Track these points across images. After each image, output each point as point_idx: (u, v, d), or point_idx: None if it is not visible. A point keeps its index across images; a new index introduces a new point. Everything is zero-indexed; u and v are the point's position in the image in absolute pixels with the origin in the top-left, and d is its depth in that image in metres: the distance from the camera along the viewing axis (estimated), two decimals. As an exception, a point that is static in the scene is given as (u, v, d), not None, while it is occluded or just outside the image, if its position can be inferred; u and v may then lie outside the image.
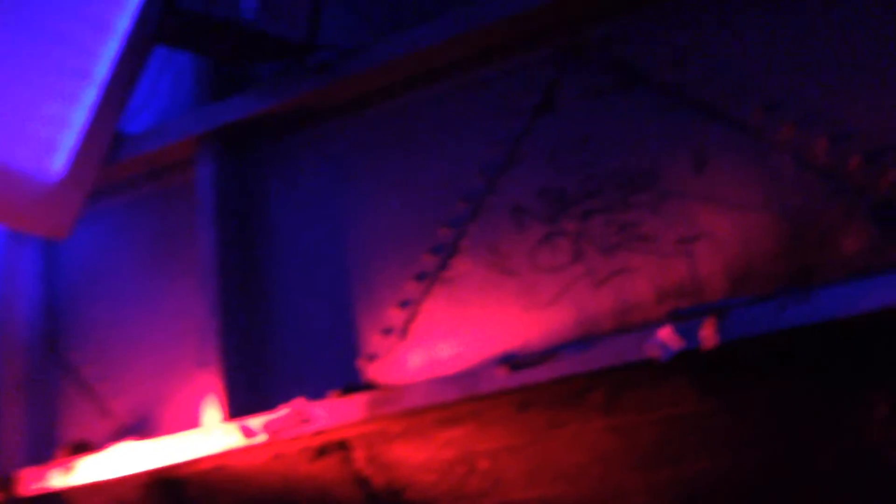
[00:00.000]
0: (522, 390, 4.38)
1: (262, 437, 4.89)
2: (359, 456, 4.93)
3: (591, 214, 4.68)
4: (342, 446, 4.92)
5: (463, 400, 4.50)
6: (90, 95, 5.40)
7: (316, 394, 4.88)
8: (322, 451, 4.96)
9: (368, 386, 4.87)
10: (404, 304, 5.08)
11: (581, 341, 4.37)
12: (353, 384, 4.93)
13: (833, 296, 3.86)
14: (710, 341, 3.90)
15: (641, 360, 4.05)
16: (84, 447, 5.58)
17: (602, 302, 4.55)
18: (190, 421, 5.40)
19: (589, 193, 4.70)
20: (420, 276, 5.06)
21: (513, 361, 4.38)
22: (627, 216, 4.59)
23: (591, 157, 4.75)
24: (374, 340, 5.12)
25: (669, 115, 4.61)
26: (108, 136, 5.87)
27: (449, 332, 4.93)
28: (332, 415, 4.77)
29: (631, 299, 4.48)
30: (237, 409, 5.20)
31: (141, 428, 5.63)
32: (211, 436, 5.07)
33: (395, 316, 5.09)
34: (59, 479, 5.49)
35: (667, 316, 4.09)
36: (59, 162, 5.71)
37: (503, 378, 4.38)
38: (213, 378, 5.33)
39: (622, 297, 4.50)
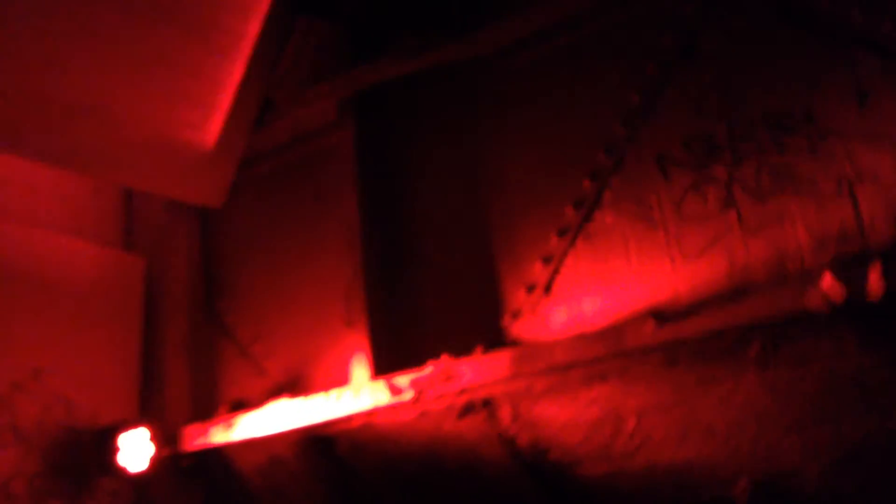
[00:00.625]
0: (671, 345, 4.20)
1: (408, 395, 4.92)
2: (504, 414, 4.89)
3: (742, 159, 4.41)
4: (487, 404, 4.89)
5: (609, 356, 4.36)
6: (240, 58, 5.58)
7: (461, 351, 4.85)
8: (467, 409, 4.94)
9: (513, 342, 4.82)
10: (547, 259, 4.97)
11: (734, 293, 4.13)
12: (497, 341, 4.88)
13: None
14: (877, 290, 3.59)
15: (801, 312, 3.78)
16: (242, 405, 5.80)
17: (755, 251, 4.28)
18: (339, 379, 5.50)
19: (739, 137, 4.43)
20: (563, 231, 4.94)
21: (660, 315, 4.20)
22: (782, 159, 4.29)
23: (741, 99, 4.47)
24: (518, 297, 5.04)
25: (825, 48, 4.26)
26: (256, 103, 6.06)
27: (594, 288, 4.79)
28: (476, 372, 4.74)
29: (787, 247, 4.19)
30: (384, 366, 5.26)
31: (293, 386, 5.79)
32: (359, 393, 5.15)
33: (539, 272, 4.99)
34: (220, 436, 5.72)
35: (828, 263, 3.80)
36: (211, 130, 5.95)
37: (651, 332, 4.21)
38: (360, 336, 5.42)
39: (777, 246, 4.22)
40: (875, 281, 3.59)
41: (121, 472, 5.72)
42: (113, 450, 5.71)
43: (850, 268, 3.68)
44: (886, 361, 3.88)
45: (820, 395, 4.06)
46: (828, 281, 3.69)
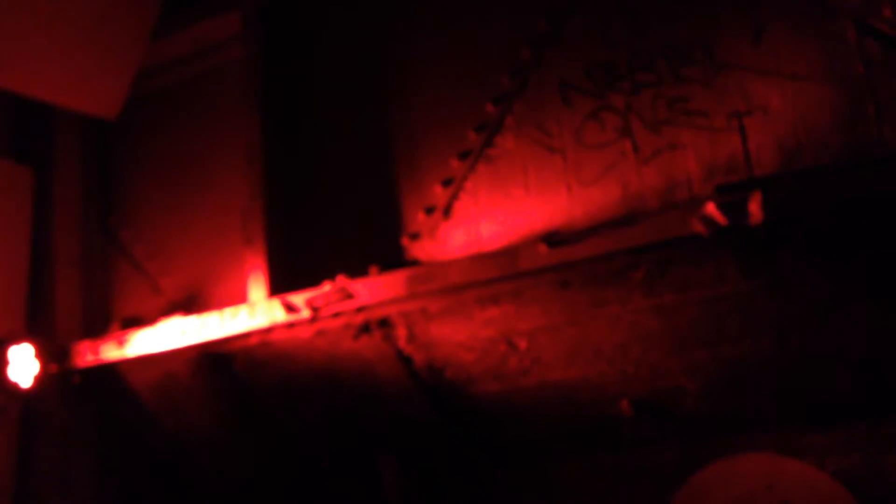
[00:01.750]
0: (563, 268, 4.30)
1: (304, 313, 4.93)
2: (400, 334, 4.94)
3: (640, 89, 4.50)
4: (384, 324, 4.93)
5: (503, 277, 4.44)
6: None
7: (360, 271, 4.86)
8: (364, 329, 4.97)
9: (409, 262, 4.85)
10: (447, 182, 5.00)
11: (625, 218, 4.25)
12: (395, 262, 4.91)
13: (890, 172, 3.66)
14: (757, 216, 3.75)
15: (685, 236, 3.92)
16: (136, 322, 5.70)
17: (648, 179, 4.41)
18: (237, 298, 5.46)
19: (639, 67, 4.52)
20: (464, 155, 4.97)
21: (554, 238, 4.29)
22: (678, 90, 4.40)
23: (643, 29, 4.54)
24: (417, 219, 5.07)
25: (727, -19, 4.36)
26: (154, 9, 5.83)
27: (492, 211, 4.86)
28: (372, 291, 4.77)
29: (678, 176, 4.33)
30: (282, 285, 5.24)
31: (190, 304, 5.73)
32: (255, 312, 5.12)
33: (439, 194, 5.02)
34: (112, 352, 5.62)
35: (713, 190, 3.93)
36: (105, 34, 5.71)
37: (544, 255, 4.30)
38: (258, 255, 5.36)
39: (669, 174, 4.35)
40: (755, 207, 3.73)
41: (9, 388, 5.59)
42: (1, 364, 5.57)
43: (733, 195, 3.81)
44: (763, 287, 4.06)
45: (701, 318, 4.24)
46: (710, 207, 3.82)
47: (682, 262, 4.12)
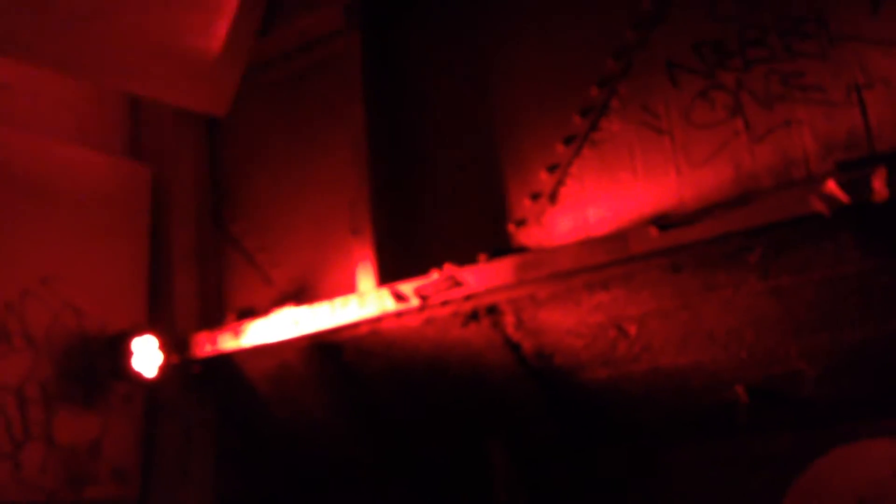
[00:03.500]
0: (674, 251, 4.21)
1: (413, 302, 4.97)
2: (509, 321, 4.93)
3: (751, 65, 4.36)
4: (492, 311, 4.93)
5: (613, 262, 4.38)
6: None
7: (466, 259, 4.87)
8: (472, 316, 4.98)
9: (517, 249, 4.84)
10: (553, 167, 4.96)
11: (738, 199, 4.13)
12: (502, 249, 4.90)
13: None
14: (881, 193, 3.59)
15: (804, 215, 3.79)
16: (250, 313, 5.85)
17: (762, 158, 4.28)
18: (345, 287, 5.56)
19: (750, 43, 4.38)
20: (569, 139, 4.92)
21: (664, 221, 4.21)
22: (792, 65, 4.25)
23: (753, 3, 4.40)
24: (522, 205, 5.06)
25: (842, -53, 4.19)
26: (260, 8, 5.98)
27: (599, 196, 4.80)
28: (481, 279, 4.77)
29: (794, 154, 4.18)
30: (390, 274, 5.31)
31: (300, 294, 5.86)
32: (365, 301, 5.20)
33: (544, 180, 4.99)
34: (229, 343, 5.79)
35: (833, 167, 3.79)
36: (216, 35, 5.89)
37: (654, 238, 4.22)
38: (365, 245, 5.45)
39: (784, 152, 4.21)
40: (880, 183, 3.58)
41: (134, 377, 5.82)
42: (126, 355, 5.80)
43: (855, 171, 3.67)
44: (887, 267, 3.90)
45: (820, 301, 4.09)
46: (831, 184, 3.68)
47: (800, 243, 3.99)
